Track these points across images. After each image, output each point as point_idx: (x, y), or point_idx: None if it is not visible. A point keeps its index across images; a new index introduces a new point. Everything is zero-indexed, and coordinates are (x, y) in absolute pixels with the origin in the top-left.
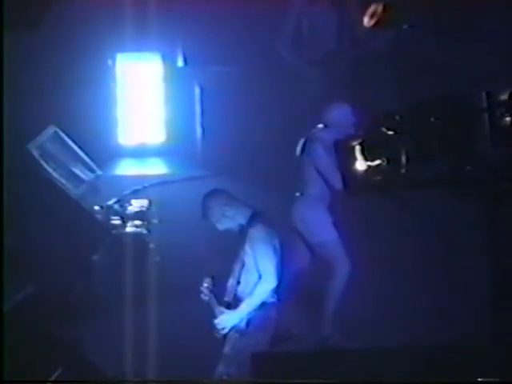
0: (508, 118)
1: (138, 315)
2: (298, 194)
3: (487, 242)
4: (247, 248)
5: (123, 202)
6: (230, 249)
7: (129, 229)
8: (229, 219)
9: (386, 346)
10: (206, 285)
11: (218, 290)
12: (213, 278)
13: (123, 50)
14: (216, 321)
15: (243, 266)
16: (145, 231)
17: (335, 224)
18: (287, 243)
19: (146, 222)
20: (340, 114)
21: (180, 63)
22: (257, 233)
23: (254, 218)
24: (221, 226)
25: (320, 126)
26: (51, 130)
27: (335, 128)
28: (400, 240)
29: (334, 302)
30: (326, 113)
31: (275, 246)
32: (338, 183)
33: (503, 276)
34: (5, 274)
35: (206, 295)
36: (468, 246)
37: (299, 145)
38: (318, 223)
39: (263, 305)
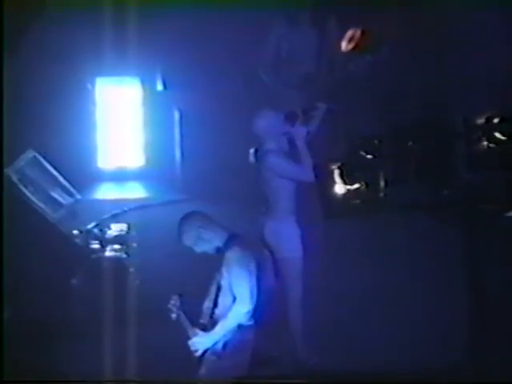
0: (485, 142)
1: (117, 339)
2: (264, 209)
3: (465, 264)
4: (223, 270)
5: (102, 226)
6: (210, 272)
7: (108, 253)
8: (205, 242)
9: (366, 369)
10: (173, 302)
11: (187, 308)
12: (180, 295)
13: (103, 74)
14: (189, 342)
15: (219, 288)
16: (124, 255)
17: (304, 241)
18: (265, 264)
19: (125, 246)
20: (268, 123)
21: (159, 87)
22: (233, 255)
23: (231, 240)
24: (198, 249)
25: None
26: (30, 154)
27: (271, 136)
28: (378, 263)
29: (298, 323)
30: (257, 124)
31: (251, 269)
32: (306, 175)
33: (481, 298)
34: None
35: (173, 313)
36: (446, 269)
37: (252, 154)
38: (287, 237)
39: (240, 327)
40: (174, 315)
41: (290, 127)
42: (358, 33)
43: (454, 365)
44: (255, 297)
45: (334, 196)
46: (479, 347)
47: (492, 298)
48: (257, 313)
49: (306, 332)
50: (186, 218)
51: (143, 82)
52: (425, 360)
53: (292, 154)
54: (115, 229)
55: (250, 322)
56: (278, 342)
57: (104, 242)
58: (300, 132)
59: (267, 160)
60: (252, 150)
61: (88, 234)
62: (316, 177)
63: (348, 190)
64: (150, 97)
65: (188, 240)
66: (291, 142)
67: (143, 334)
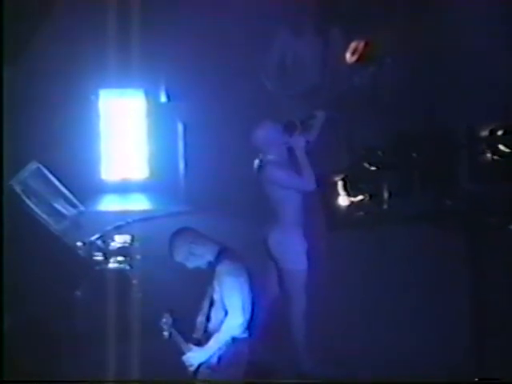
0: (488, 154)
1: (120, 351)
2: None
3: (469, 275)
4: (215, 284)
5: (106, 237)
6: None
7: (111, 265)
8: (197, 257)
9: (368, 379)
10: (164, 320)
11: (186, 322)
12: (172, 312)
13: (106, 86)
14: (184, 358)
15: (212, 302)
16: (127, 267)
17: (308, 252)
18: (264, 275)
19: (128, 258)
20: (267, 134)
21: (163, 99)
22: (223, 269)
23: (222, 253)
24: (190, 265)
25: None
26: (34, 165)
27: (271, 147)
28: (381, 274)
29: (302, 334)
30: (255, 135)
31: (243, 282)
32: (306, 185)
33: (485, 308)
34: None
35: (165, 331)
36: (449, 279)
37: (256, 165)
38: (291, 249)
39: (234, 340)
40: (165, 333)
41: (289, 137)
42: (362, 44)
43: (455, 365)
44: (248, 309)
45: (337, 208)
46: (481, 363)
47: (494, 308)
48: (251, 325)
49: (310, 343)
50: (176, 234)
51: (147, 94)
52: (427, 375)
53: (292, 164)
54: (119, 240)
55: (244, 335)
56: (279, 354)
57: (107, 254)
58: (299, 142)
59: (267, 172)
60: (256, 161)
61: (91, 246)
62: (319, 187)
63: (352, 201)
64: (154, 108)
65: (179, 256)
66: (291, 152)
67: (145, 345)
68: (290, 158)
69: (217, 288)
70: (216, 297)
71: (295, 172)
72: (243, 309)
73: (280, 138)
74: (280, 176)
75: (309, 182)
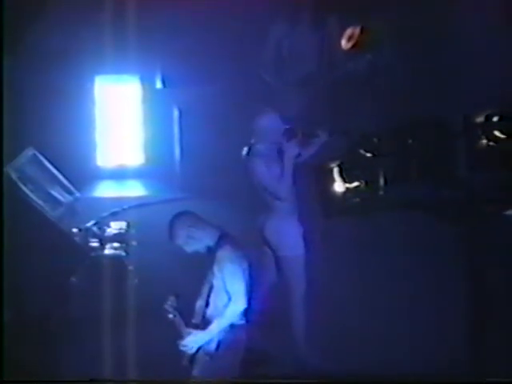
0: (484, 141)
1: (116, 337)
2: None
3: (464, 264)
4: (215, 270)
5: (102, 224)
6: (208, 270)
7: (107, 251)
8: (196, 241)
9: (366, 368)
10: (170, 303)
11: (183, 308)
12: (177, 295)
13: (102, 72)
14: (183, 341)
15: (211, 288)
16: (123, 253)
17: (304, 239)
18: (261, 263)
19: (124, 244)
20: (265, 123)
21: (158, 85)
22: (225, 254)
23: (222, 239)
24: (188, 248)
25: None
26: (30, 152)
27: (265, 137)
28: (377, 262)
29: (299, 322)
30: (258, 122)
31: (244, 268)
32: (281, 193)
33: (481, 297)
34: None
35: (171, 313)
36: (445, 268)
37: (245, 151)
38: (287, 235)
39: (232, 327)
40: (170, 316)
41: (284, 140)
42: (358, 31)
43: (454, 365)
44: (249, 295)
45: (333, 194)
46: (479, 347)
47: (492, 298)
48: (250, 312)
49: (307, 330)
50: (176, 217)
51: (142, 80)
52: (425, 359)
53: (277, 164)
54: (114, 227)
55: (242, 322)
56: (277, 341)
57: (103, 240)
58: (291, 149)
59: (252, 164)
60: (245, 149)
61: (87, 232)
62: (314, 174)
63: (347, 188)
64: (150, 95)
65: (178, 239)
66: (279, 155)
67: (142, 332)
68: (277, 157)
69: (217, 274)
70: (216, 283)
71: (276, 177)
72: (246, 295)
73: (277, 136)
74: (261, 173)
75: (284, 192)
